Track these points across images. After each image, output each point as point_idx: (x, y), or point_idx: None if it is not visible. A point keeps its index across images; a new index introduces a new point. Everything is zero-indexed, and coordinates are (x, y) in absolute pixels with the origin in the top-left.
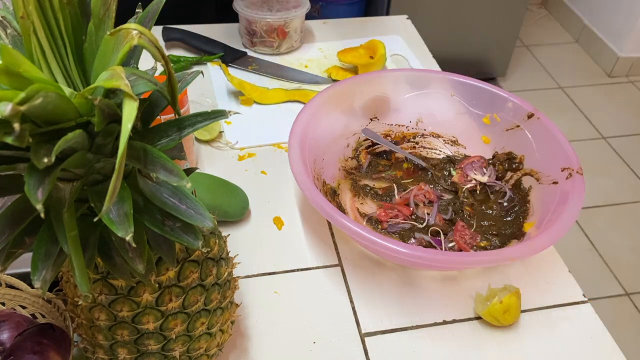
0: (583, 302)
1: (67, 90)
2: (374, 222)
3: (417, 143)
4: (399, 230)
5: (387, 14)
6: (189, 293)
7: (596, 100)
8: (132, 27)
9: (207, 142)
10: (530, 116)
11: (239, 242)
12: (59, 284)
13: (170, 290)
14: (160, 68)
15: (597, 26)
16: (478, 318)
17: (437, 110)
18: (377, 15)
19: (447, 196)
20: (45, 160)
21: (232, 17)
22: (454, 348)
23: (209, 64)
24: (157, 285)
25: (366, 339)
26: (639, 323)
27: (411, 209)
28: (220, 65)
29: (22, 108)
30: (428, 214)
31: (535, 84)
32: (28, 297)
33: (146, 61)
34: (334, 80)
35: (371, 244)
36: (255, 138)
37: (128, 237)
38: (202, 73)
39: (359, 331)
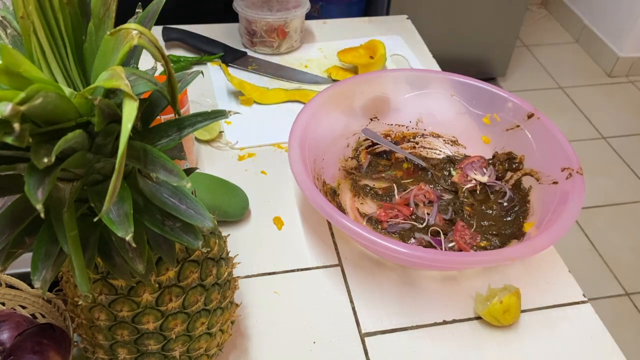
0: (583, 302)
1: (67, 90)
2: (374, 222)
3: (417, 143)
4: (399, 230)
5: (387, 14)
6: (189, 293)
7: (596, 100)
8: (132, 27)
9: (207, 142)
10: (530, 116)
11: (239, 242)
12: (59, 284)
13: (170, 290)
14: (160, 68)
15: (597, 26)
16: (478, 318)
17: (437, 110)
18: (377, 15)
19: (447, 196)
20: (45, 160)
21: (232, 17)
22: (454, 348)
23: (209, 64)
24: (157, 285)
25: (366, 339)
26: (639, 323)
27: (411, 209)
28: (220, 65)
29: (22, 108)
30: (428, 214)
31: (535, 84)
32: (28, 297)
33: (146, 61)
34: (334, 80)
35: (371, 244)
36: (255, 138)
37: (128, 237)
38: (202, 73)
39: (359, 331)
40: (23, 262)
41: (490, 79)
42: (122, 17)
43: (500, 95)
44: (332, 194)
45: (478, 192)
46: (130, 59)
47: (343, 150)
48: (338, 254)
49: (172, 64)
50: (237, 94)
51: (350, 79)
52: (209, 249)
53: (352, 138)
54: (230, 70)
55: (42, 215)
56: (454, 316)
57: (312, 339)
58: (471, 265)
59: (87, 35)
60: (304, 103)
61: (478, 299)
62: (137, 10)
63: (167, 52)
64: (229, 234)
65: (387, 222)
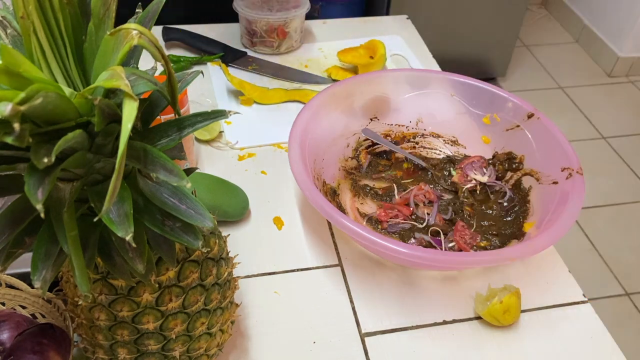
0: (583, 302)
1: (67, 90)
2: (374, 222)
3: (417, 143)
4: (399, 230)
5: (387, 14)
6: (189, 293)
7: (596, 100)
8: (132, 27)
9: (207, 142)
10: (530, 116)
11: (239, 242)
12: (59, 284)
13: (170, 290)
14: (160, 68)
15: (597, 26)
16: (478, 318)
17: (437, 110)
18: (377, 15)
19: (447, 196)
20: (45, 160)
21: (232, 17)
22: (454, 348)
23: (209, 64)
24: (157, 285)
25: (366, 339)
26: (639, 323)
27: (411, 209)
28: (220, 65)
29: (22, 108)
30: (428, 214)
31: (535, 84)
32: (28, 297)
33: (146, 61)
34: (334, 80)
35: (371, 244)
36: (255, 138)
37: (128, 237)
38: (202, 73)
39: (359, 331)
40: (23, 262)
41: (490, 79)
42: (122, 17)
43: (500, 95)
44: (332, 194)
45: (478, 192)
46: (130, 59)
47: (343, 150)
48: (338, 254)
49: (172, 64)
50: (237, 94)
51: (350, 79)
52: (209, 249)
53: (352, 138)
54: (230, 70)
55: (42, 215)
56: (454, 316)
57: (312, 339)
58: (471, 265)
59: (87, 35)
60: (304, 103)
61: (478, 299)
62: (137, 10)
63: (167, 52)
64: (229, 234)
65: (387, 222)
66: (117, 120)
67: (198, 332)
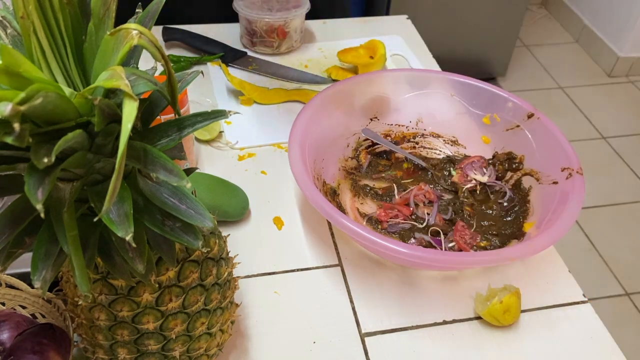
0: (583, 302)
1: (67, 90)
2: (374, 222)
3: (417, 143)
4: (399, 230)
5: (387, 14)
6: (189, 293)
7: (596, 100)
8: (132, 27)
9: (207, 142)
10: (530, 116)
11: (239, 242)
12: (59, 284)
13: (170, 290)
14: (160, 68)
15: (597, 26)
16: (478, 318)
17: (437, 110)
18: (377, 15)
19: (447, 196)
20: (45, 160)
21: (232, 17)
22: (454, 348)
23: (209, 64)
24: (157, 285)
25: (366, 339)
26: (639, 323)
27: (411, 209)
28: (220, 65)
29: (22, 108)
30: (428, 214)
31: (535, 84)
32: (28, 297)
33: (146, 61)
34: (334, 80)
35: (371, 244)
36: (255, 138)
37: (128, 237)
38: (202, 73)
39: (359, 331)
40: (23, 262)
41: (490, 79)
42: (122, 17)
43: (500, 95)
44: (332, 194)
45: (478, 192)
46: (130, 59)
47: (343, 150)
48: (338, 254)
49: (172, 64)
50: (237, 94)
51: (350, 79)
52: (209, 249)
53: (352, 138)
54: (230, 70)
55: (42, 215)
56: (454, 316)
57: (312, 339)
58: (471, 265)
59: (87, 35)
60: (304, 103)
61: (478, 299)
62: (137, 10)
63: (167, 52)
64: (229, 234)
65: (387, 222)
66: (117, 120)
67: (198, 332)
